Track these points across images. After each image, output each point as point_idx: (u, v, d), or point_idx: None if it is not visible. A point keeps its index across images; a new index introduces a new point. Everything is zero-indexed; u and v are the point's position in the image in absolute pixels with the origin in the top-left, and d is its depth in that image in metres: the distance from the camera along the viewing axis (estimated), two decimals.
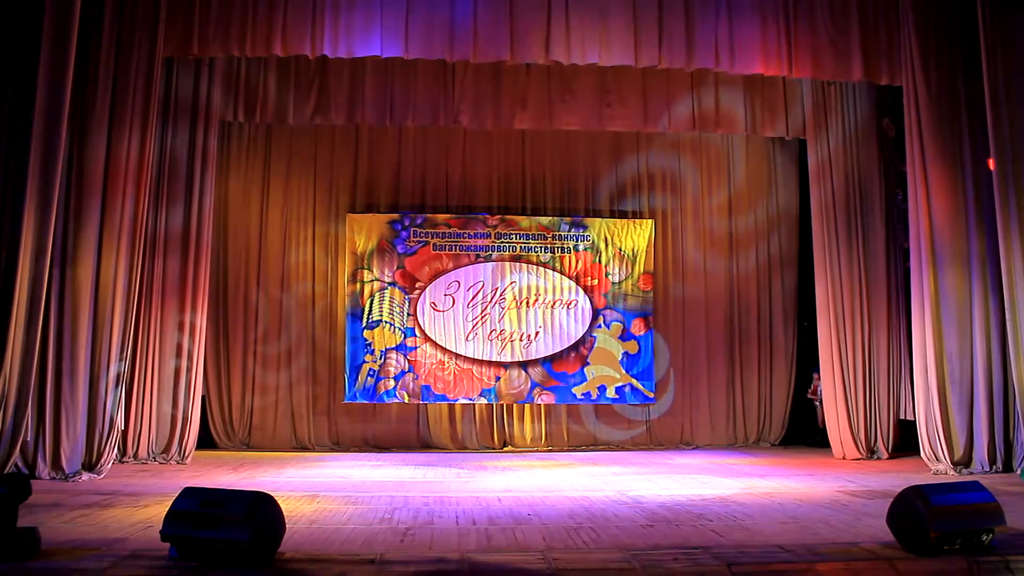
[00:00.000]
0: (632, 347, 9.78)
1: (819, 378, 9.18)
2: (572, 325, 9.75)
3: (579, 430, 9.80)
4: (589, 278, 9.83)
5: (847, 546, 4.13)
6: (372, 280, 9.59)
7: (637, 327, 9.82)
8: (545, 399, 9.64)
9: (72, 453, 6.67)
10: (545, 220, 9.86)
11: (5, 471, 6.20)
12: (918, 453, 7.71)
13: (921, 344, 7.56)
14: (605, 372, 9.72)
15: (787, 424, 10.02)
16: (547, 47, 7.31)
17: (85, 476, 6.66)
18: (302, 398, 9.54)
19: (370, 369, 9.46)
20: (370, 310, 9.55)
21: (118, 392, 7.00)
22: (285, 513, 4.04)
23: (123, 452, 7.82)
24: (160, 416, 8.09)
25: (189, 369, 8.22)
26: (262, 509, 3.72)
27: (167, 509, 3.82)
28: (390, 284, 9.61)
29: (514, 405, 9.69)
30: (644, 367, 9.77)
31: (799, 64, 7.55)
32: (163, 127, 8.16)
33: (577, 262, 9.83)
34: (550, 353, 9.67)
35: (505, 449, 9.53)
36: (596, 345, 9.75)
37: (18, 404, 6.39)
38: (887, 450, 8.44)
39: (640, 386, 9.74)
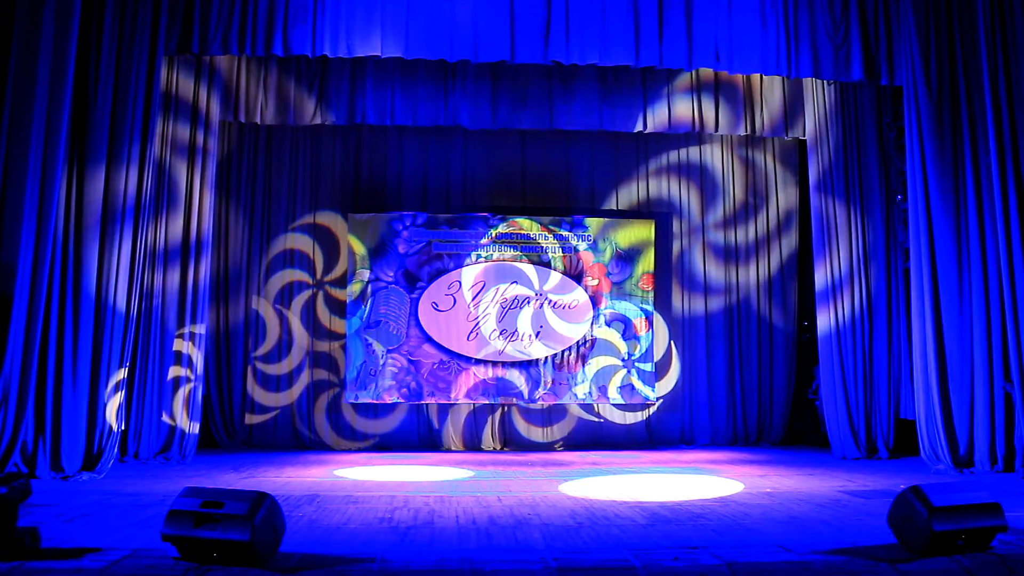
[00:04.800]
0: (633, 347, 9.78)
1: (819, 377, 9.18)
2: (573, 325, 9.75)
3: (579, 429, 9.80)
4: (590, 278, 9.83)
5: (847, 546, 4.13)
6: (373, 280, 9.59)
7: (638, 327, 9.82)
8: (546, 399, 9.64)
9: (72, 453, 6.67)
10: (545, 220, 9.86)
11: (5, 471, 6.20)
12: (918, 453, 7.72)
13: (921, 343, 7.57)
14: (606, 372, 9.72)
15: (787, 423, 10.02)
16: (547, 47, 7.32)
17: (85, 476, 6.65)
18: (303, 398, 9.54)
19: (371, 369, 9.47)
20: (371, 310, 9.55)
21: (118, 394, 7.00)
22: (285, 513, 4.04)
23: (123, 452, 7.82)
24: (160, 417, 8.09)
25: (190, 370, 8.23)
26: (263, 509, 3.72)
27: (167, 509, 3.82)
28: (391, 284, 9.61)
29: (515, 405, 9.69)
30: (645, 367, 9.77)
31: (799, 64, 7.55)
32: (162, 129, 8.16)
33: (578, 262, 9.83)
34: (551, 353, 9.67)
35: (506, 449, 9.54)
36: (597, 345, 9.75)
37: (18, 404, 6.40)
38: (887, 450, 8.44)
39: (640, 385, 9.74)
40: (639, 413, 9.92)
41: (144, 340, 8.04)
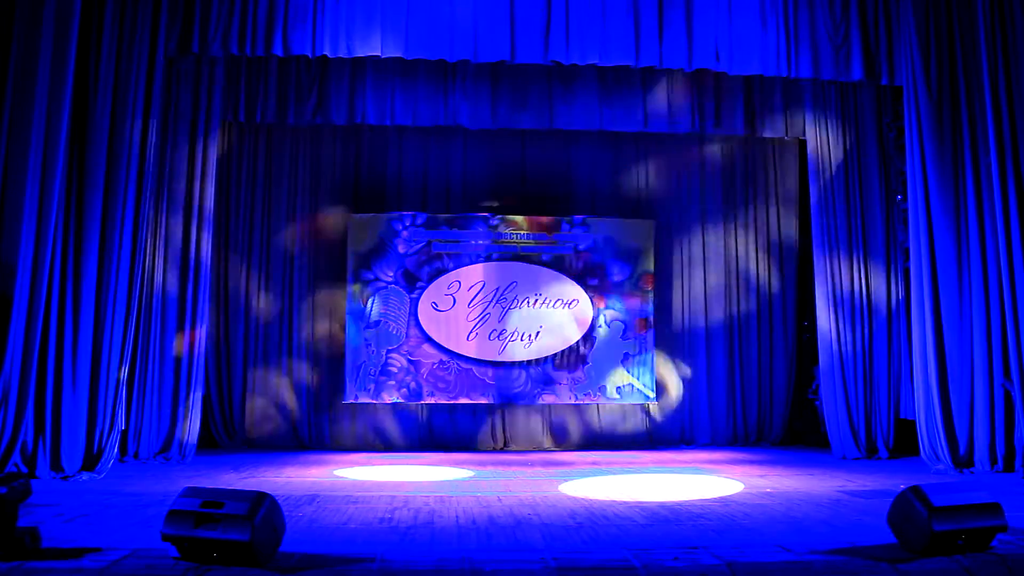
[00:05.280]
0: (633, 347, 9.78)
1: (819, 377, 9.18)
2: (572, 325, 9.74)
3: (579, 430, 9.80)
4: (589, 278, 9.83)
5: (847, 546, 4.13)
6: (372, 280, 9.59)
7: (638, 327, 9.82)
8: (546, 399, 9.64)
9: (72, 453, 6.67)
10: (545, 220, 9.85)
11: (5, 471, 6.20)
12: (918, 453, 7.72)
13: (921, 343, 7.57)
14: (606, 372, 9.72)
15: (787, 423, 10.02)
16: (547, 47, 7.32)
17: (85, 476, 6.66)
18: (303, 398, 9.54)
19: (370, 369, 9.46)
20: (370, 310, 9.55)
21: (118, 395, 7.00)
22: (285, 513, 4.04)
23: (123, 452, 7.82)
24: (160, 417, 8.09)
25: (190, 371, 8.24)
26: (263, 509, 3.72)
27: (167, 509, 3.82)
28: (390, 284, 9.61)
29: (515, 405, 9.69)
30: (645, 366, 9.77)
31: (799, 64, 7.56)
32: (163, 129, 8.15)
33: (578, 262, 9.83)
34: (551, 353, 9.67)
35: (506, 449, 9.53)
36: (597, 345, 9.75)
37: (18, 404, 6.40)
38: (887, 450, 8.44)
39: (640, 385, 9.74)
40: (640, 424, 9.90)
41: (144, 340, 8.03)
